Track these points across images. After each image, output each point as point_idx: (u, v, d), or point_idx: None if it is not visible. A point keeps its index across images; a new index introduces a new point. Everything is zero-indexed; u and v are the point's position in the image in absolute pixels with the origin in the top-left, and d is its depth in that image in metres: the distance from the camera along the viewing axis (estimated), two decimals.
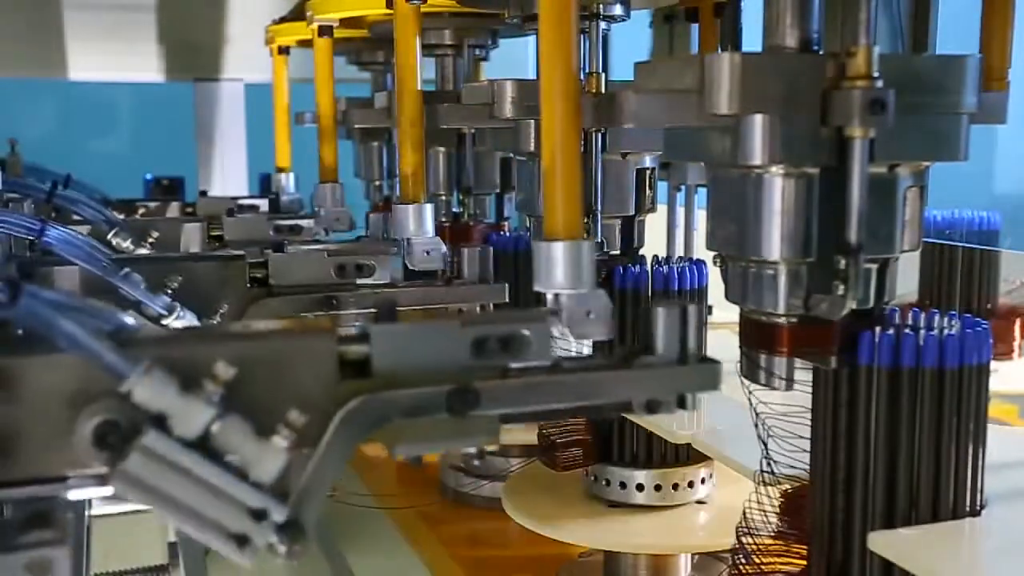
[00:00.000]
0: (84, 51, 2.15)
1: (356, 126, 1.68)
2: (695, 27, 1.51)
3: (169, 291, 0.95)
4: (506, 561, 1.31)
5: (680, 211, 1.53)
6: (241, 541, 0.56)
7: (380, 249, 1.12)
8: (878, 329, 0.72)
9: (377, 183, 1.79)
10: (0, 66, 2.14)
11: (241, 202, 1.67)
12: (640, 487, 1.08)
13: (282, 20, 1.70)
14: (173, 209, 1.62)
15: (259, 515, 0.56)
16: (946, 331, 0.74)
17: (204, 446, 0.55)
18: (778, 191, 0.68)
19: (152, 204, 1.64)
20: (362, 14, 1.35)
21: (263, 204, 1.69)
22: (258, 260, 1.04)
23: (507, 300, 1.08)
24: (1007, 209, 1.61)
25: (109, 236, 1.17)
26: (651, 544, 1.06)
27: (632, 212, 1.03)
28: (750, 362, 0.74)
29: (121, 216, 1.27)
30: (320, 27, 1.39)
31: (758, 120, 0.67)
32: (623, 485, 1.09)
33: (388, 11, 1.14)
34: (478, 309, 1.08)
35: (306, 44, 1.60)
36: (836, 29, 0.69)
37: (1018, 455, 0.90)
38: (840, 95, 0.65)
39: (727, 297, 0.75)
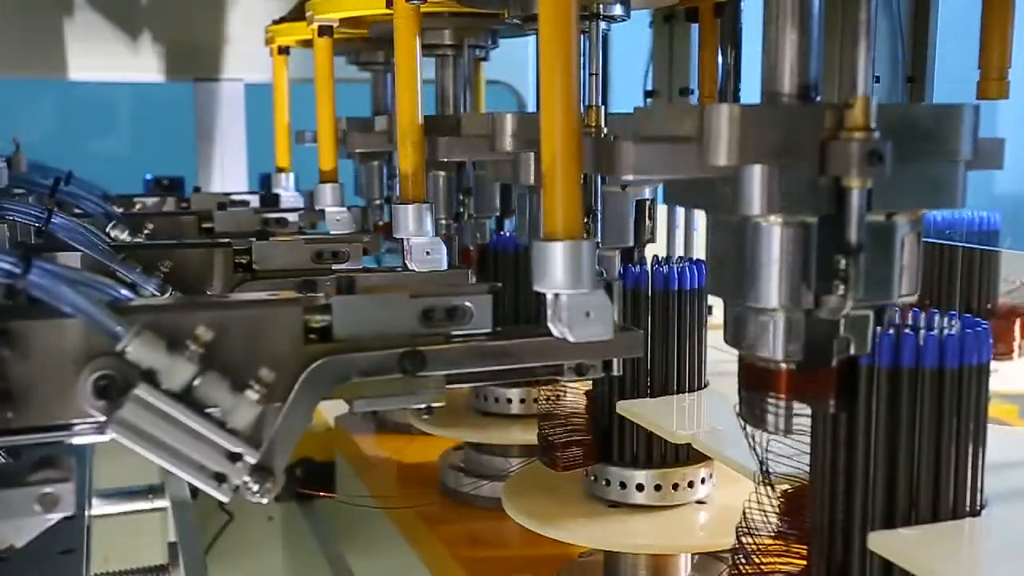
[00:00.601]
0: (84, 51, 2.15)
1: (356, 151, 1.68)
2: (695, 27, 1.51)
3: (161, 274, 1.03)
4: (506, 561, 1.30)
5: (680, 212, 1.53)
6: (220, 479, 0.66)
7: (354, 238, 1.20)
8: (878, 329, 0.72)
9: (377, 202, 1.79)
10: (0, 66, 2.14)
11: (233, 197, 1.71)
12: (640, 487, 1.08)
13: (282, 20, 1.70)
14: (169, 204, 1.67)
15: (235, 457, 0.65)
16: (946, 331, 0.74)
17: (188, 398, 0.65)
18: (776, 239, 0.68)
19: (149, 200, 1.69)
20: (362, 14, 1.35)
21: (254, 199, 1.72)
22: (242, 247, 1.12)
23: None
24: (1007, 209, 1.60)
25: (108, 228, 1.25)
26: (651, 544, 1.06)
27: (631, 243, 1.04)
28: (749, 406, 0.74)
29: (120, 210, 1.32)
30: (320, 27, 1.39)
31: (757, 171, 0.67)
32: (623, 485, 1.09)
33: (388, 11, 1.14)
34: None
35: (306, 44, 1.60)
36: (834, 77, 0.69)
37: (1018, 455, 0.90)
38: (838, 146, 0.65)
39: (725, 340, 0.75)
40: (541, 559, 1.24)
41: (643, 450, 1.08)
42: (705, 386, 1.11)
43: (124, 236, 1.25)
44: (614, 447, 1.09)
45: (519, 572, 1.27)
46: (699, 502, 1.09)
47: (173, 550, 1.35)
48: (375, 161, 1.76)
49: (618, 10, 1.06)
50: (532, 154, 0.97)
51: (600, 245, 1.05)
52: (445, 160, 1.26)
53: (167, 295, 1.00)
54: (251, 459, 0.65)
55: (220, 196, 1.70)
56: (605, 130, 0.99)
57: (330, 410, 1.97)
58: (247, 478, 0.65)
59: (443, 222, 1.45)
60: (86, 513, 1.22)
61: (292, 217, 1.48)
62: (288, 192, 1.75)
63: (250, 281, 1.08)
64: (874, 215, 0.68)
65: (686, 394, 1.09)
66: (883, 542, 0.73)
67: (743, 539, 0.80)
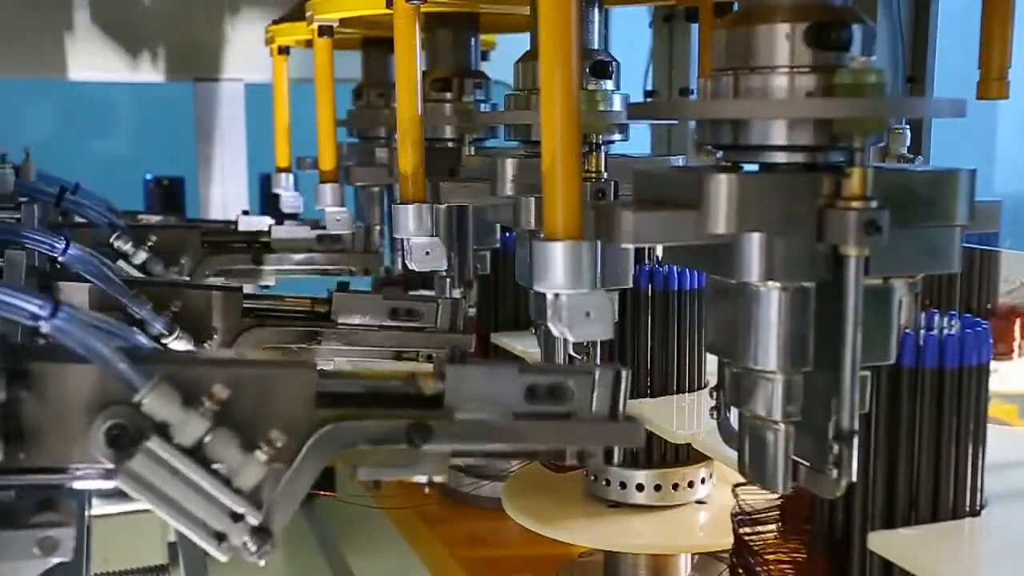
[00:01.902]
0: (84, 51, 2.15)
1: (357, 184, 1.68)
2: (695, 27, 1.51)
3: (170, 314, 1.04)
4: (506, 561, 1.31)
5: None
6: (220, 538, 0.65)
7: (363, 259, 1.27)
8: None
9: (377, 226, 1.79)
10: (0, 66, 2.14)
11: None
12: (640, 487, 1.08)
13: (282, 20, 1.70)
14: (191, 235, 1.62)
15: (237, 517, 0.65)
16: (946, 331, 0.74)
17: (197, 454, 0.64)
18: (775, 305, 0.69)
19: (154, 218, 1.66)
20: (362, 14, 1.35)
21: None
22: (251, 293, 1.15)
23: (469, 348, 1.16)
24: (1007, 209, 1.60)
25: (112, 239, 1.25)
26: (651, 544, 1.06)
27: (631, 285, 1.04)
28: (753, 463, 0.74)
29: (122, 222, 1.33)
30: (320, 27, 1.39)
31: (755, 239, 0.67)
32: (623, 485, 1.09)
33: (388, 11, 1.14)
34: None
35: (306, 44, 1.60)
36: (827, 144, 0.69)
37: (1018, 455, 0.90)
38: (835, 215, 0.65)
39: (727, 401, 0.76)
40: (541, 559, 1.24)
41: (643, 450, 1.08)
42: (705, 386, 1.11)
43: (128, 247, 1.26)
44: (614, 447, 1.09)
45: (519, 572, 1.27)
46: (699, 502, 1.09)
47: (173, 550, 1.35)
48: (375, 188, 1.77)
49: (617, 137, 1.07)
50: (533, 199, 0.97)
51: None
52: (446, 204, 1.26)
53: (174, 334, 1.02)
54: (253, 520, 0.65)
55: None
56: (605, 175, 0.99)
57: None
58: (247, 538, 0.65)
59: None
60: (86, 513, 1.22)
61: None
62: (288, 192, 1.75)
63: (256, 328, 1.10)
64: (871, 278, 0.68)
65: (686, 394, 1.09)
66: (883, 542, 0.73)
67: (741, 530, 0.80)
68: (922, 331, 0.74)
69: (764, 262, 0.67)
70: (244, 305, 1.10)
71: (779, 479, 0.71)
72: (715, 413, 0.79)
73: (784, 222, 0.67)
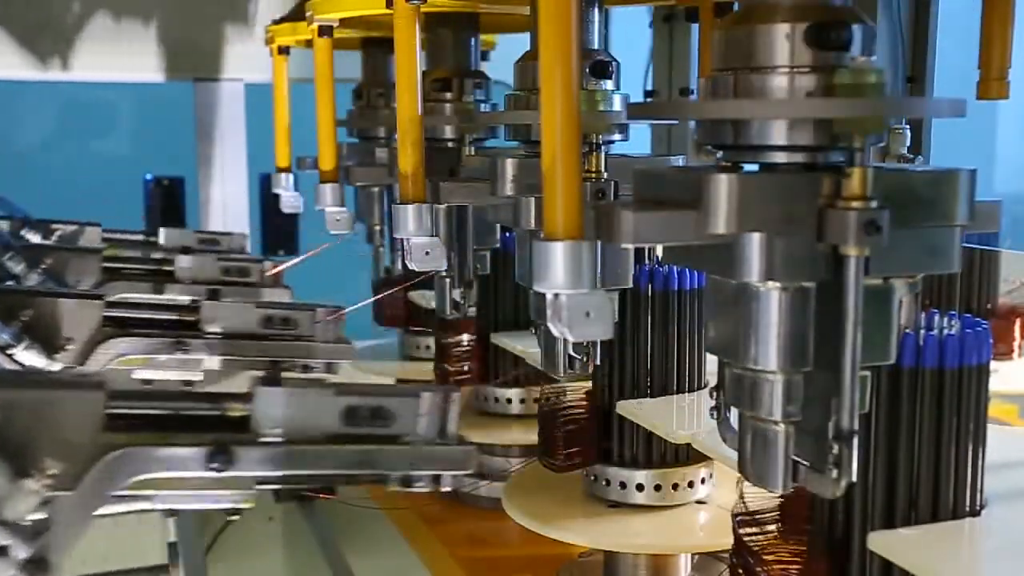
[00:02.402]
0: (84, 51, 2.15)
1: (357, 184, 1.68)
2: (695, 27, 1.51)
3: (19, 323, 0.99)
4: (506, 561, 1.31)
5: None
6: None
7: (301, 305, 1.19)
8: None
9: (377, 226, 1.79)
10: (0, 67, 2.14)
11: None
12: (640, 487, 1.08)
13: (282, 20, 1.70)
14: (89, 235, 1.51)
15: (2, 550, 0.59)
16: (946, 331, 0.74)
17: None
18: (775, 305, 0.69)
19: (70, 228, 1.51)
20: (362, 14, 1.35)
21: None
22: (119, 300, 1.11)
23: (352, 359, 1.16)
24: (1007, 209, 1.60)
25: (3, 258, 1.21)
26: (651, 544, 1.06)
27: (631, 285, 1.04)
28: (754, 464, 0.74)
29: (38, 237, 1.31)
30: (320, 27, 1.39)
31: (755, 239, 0.67)
32: (623, 485, 1.09)
33: (388, 11, 1.14)
34: (326, 368, 1.13)
35: (306, 44, 1.60)
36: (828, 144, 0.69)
37: (1018, 455, 0.90)
38: (835, 215, 0.65)
39: (727, 401, 0.76)
40: (541, 559, 1.24)
41: (643, 450, 1.08)
42: (705, 386, 1.11)
43: (19, 269, 1.21)
44: (614, 447, 1.09)
45: (519, 572, 1.27)
46: (699, 502, 1.09)
47: (173, 550, 1.35)
48: (375, 188, 1.76)
49: (617, 137, 1.06)
50: (533, 199, 0.97)
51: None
52: (446, 204, 1.25)
53: (23, 344, 0.97)
54: (21, 554, 0.58)
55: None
56: (605, 175, 0.99)
57: None
58: (14, 572, 0.59)
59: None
60: None
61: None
62: (288, 192, 1.75)
63: (115, 339, 1.05)
64: (871, 278, 0.68)
65: (686, 394, 1.09)
66: (883, 542, 0.73)
67: (741, 531, 0.80)
68: (922, 331, 0.74)
69: (764, 262, 0.67)
70: (106, 313, 1.05)
71: (779, 479, 0.71)
72: (715, 413, 0.79)
73: (784, 222, 0.67)
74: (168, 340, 1.06)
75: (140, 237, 1.54)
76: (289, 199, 1.75)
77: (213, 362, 1.09)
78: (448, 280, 1.37)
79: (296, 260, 1.54)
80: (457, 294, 1.34)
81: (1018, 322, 1.29)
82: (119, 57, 2.18)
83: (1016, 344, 1.30)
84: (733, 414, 0.77)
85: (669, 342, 1.08)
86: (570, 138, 0.69)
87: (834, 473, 0.68)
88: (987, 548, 0.75)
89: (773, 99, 0.68)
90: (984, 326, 0.75)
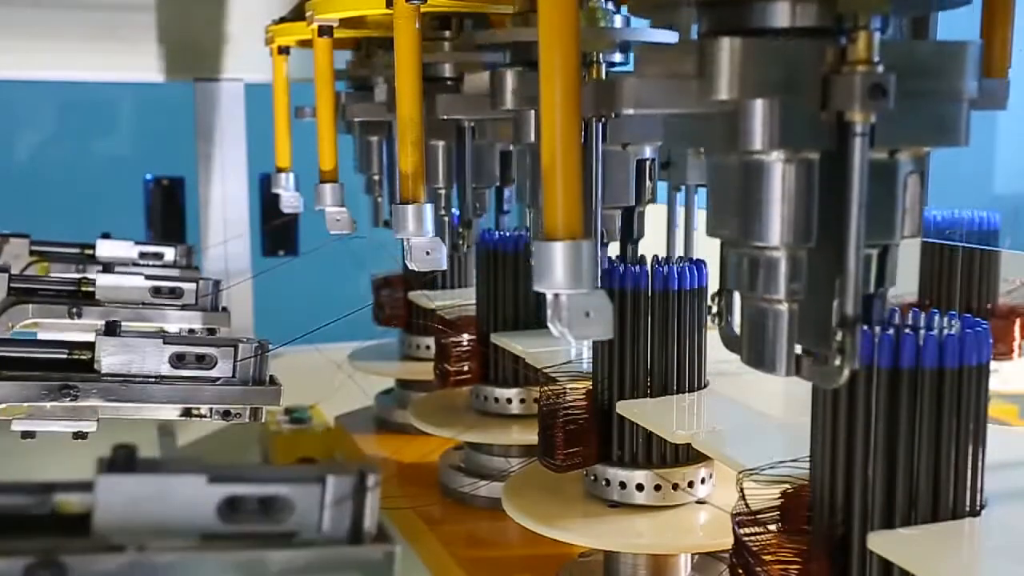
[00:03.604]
0: (84, 51, 2.15)
1: (356, 119, 1.67)
2: None
3: None
4: (506, 561, 1.31)
5: (680, 211, 1.53)
6: None
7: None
8: (878, 329, 0.72)
9: (376, 176, 1.79)
10: (0, 66, 2.14)
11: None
12: (640, 487, 1.08)
13: (282, 20, 1.70)
14: (14, 247, 1.44)
15: None
16: (946, 331, 0.74)
17: None
18: (778, 177, 0.68)
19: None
20: (362, 14, 1.35)
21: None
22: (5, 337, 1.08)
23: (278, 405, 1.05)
24: (1007, 209, 1.60)
25: None
26: (651, 544, 1.06)
27: (632, 203, 1.02)
28: (757, 348, 0.73)
29: None
30: (320, 27, 1.39)
31: (758, 105, 0.67)
32: (623, 485, 1.08)
33: (388, 11, 1.14)
34: (248, 411, 1.01)
35: (306, 44, 1.60)
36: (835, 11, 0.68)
37: (1018, 455, 0.90)
38: (840, 80, 0.65)
39: (728, 285, 0.75)
40: (541, 559, 1.24)
41: (643, 450, 1.08)
42: (705, 386, 1.11)
43: None
44: (614, 447, 1.09)
45: (519, 572, 1.27)
46: (699, 502, 1.09)
47: None
48: (374, 136, 1.76)
49: (617, 57, 1.06)
50: (533, 112, 0.96)
51: (601, 204, 1.03)
52: (445, 118, 1.23)
53: None
54: None
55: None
56: None
57: (330, 410, 1.97)
58: None
59: (441, 192, 1.45)
60: None
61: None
62: (288, 192, 1.75)
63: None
64: (876, 152, 0.68)
65: (686, 394, 1.09)
66: (883, 542, 0.73)
67: (741, 531, 0.80)
68: (921, 331, 0.74)
69: (768, 129, 0.66)
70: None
71: (781, 362, 0.70)
72: (717, 318, 0.78)
73: (788, 89, 0.66)
74: (53, 384, 0.93)
75: (76, 251, 1.47)
76: (289, 199, 1.75)
77: (107, 409, 0.96)
78: (447, 220, 1.36)
79: None
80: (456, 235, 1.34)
81: (1018, 322, 1.29)
82: (119, 57, 2.17)
83: (1016, 344, 1.30)
84: (736, 318, 0.76)
85: (669, 342, 1.08)
86: (570, 138, 0.69)
87: (837, 360, 0.67)
88: (987, 548, 0.75)
89: None
90: (984, 326, 0.75)
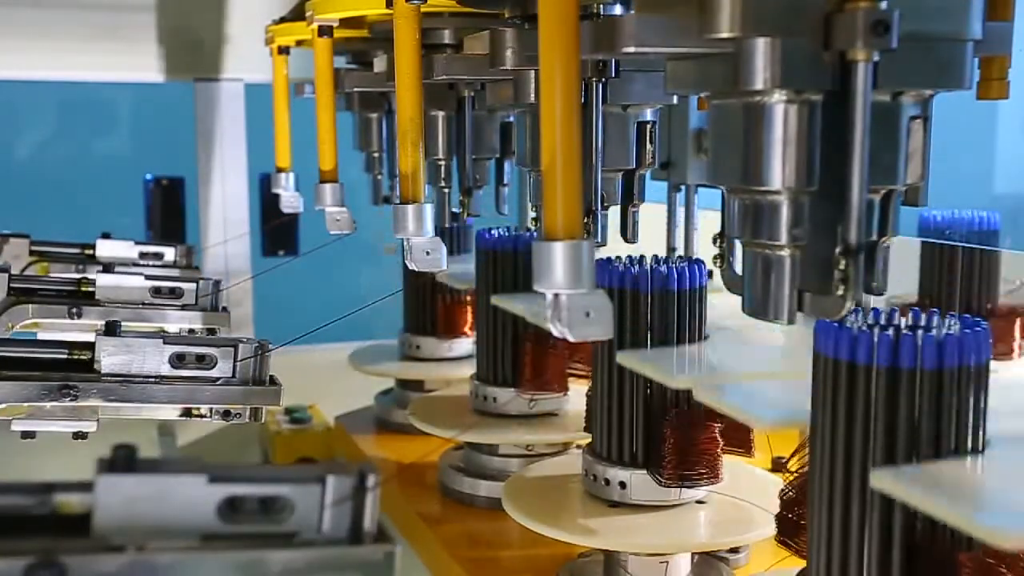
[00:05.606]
0: (84, 51, 2.15)
1: (355, 89, 1.67)
2: None
3: None
4: (506, 561, 1.30)
5: (680, 211, 1.53)
6: None
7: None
8: (877, 329, 0.72)
9: (376, 154, 1.79)
10: (0, 67, 2.14)
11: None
12: (640, 487, 1.08)
13: (282, 20, 1.70)
14: (14, 247, 1.45)
15: None
16: (945, 331, 0.74)
17: None
18: (780, 118, 0.67)
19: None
20: (362, 14, 1.35)
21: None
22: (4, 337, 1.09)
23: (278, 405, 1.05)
24: (1007, 209, 1.60)
25: None
26: (651, 544, 1.06)
27: (633, 165, 1.01)
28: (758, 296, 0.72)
29: None
30: (320, 27, 1.39)
31: (760, 44, 0.66)
32: (623, 485, 1.08)
33: (388, 11, 1.14)
34: (248, 411, 1.02)
35: (306, 44, 1.60)
36: None
37: None
38: (843, 17, 0.64)
39: (730, 233, 0.73)
40: (541, 559, 1.24)
41: (643, 450, 1.08)
42: None
43: None
44: (614, 447, 1.09)
45: (519, 572, 1.27)
46: (699, 502, 1.09)
47: None
48: (373, 113, 1.76)
49: (618, 10, 1.05)
50: (533, 72, 0.94)
51: (600, 167, 1.02)
52: (444, 77, 1.22)
53: None
54: None
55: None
56: None
57: (330, 410, 1.97)
58: None
59: (441, 163, 1.44)
60: None
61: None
62: (288, 192, 1.75)
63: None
64: (879, 94, 0.67)
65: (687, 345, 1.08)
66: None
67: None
68: (921, 331, 0.74)
69: (770, 68, 0.66)
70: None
71: (784, 307, 0.70)
72: (718, 261, 0.77)
73: (790, 27, 0.65)
74: (53, 384, 0.94)
75: (76, 251, 1.48)
76: (289, 199, 1.75)
77: (107, 409, 0.96)
78: (447, 192, 1.36)
79: None
80: (456, 203, 1.33)
81: (1018, 322, 1.29)
82: (119, 57, 2.18)
83: (1016, 344, 1.30)
84: (737, 259, 0.75)
85: (669, 342, 1.08)
86: (570, 138, 0.69)
87: (840, 290, 0.67)
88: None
89: None
90: (984, 326, 0.75)
